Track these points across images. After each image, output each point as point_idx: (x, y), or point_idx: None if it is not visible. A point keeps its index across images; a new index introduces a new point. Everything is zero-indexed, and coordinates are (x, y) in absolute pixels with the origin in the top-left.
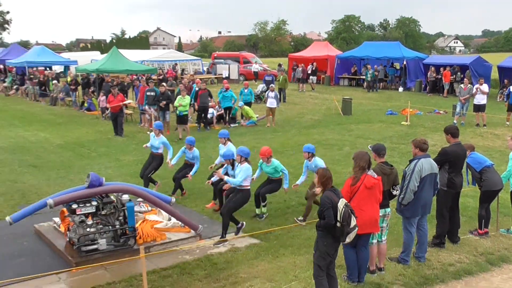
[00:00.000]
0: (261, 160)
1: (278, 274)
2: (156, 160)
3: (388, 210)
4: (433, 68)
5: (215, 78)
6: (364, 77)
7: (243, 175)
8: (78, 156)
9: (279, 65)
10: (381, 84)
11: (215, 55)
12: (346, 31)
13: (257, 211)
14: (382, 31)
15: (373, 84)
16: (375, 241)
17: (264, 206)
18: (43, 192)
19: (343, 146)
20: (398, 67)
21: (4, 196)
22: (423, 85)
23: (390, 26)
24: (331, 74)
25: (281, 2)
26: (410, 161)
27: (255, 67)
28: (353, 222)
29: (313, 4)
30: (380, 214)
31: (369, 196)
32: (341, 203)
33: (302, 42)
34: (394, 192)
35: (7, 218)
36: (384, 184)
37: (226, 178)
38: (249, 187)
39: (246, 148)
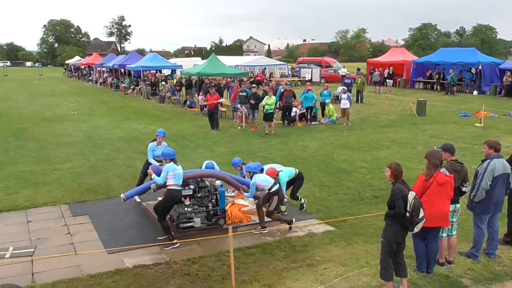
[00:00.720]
0: None
1: (350, 259)
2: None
3: (458, 205)
4: (509, 73)
5: (299, 80)
6: (435, 81)
7: (163, 175)
8: (180, 146)
9: (358, 69)
10: (456, 87)
11: (300, 60)
12: (423, 38)
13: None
14: (458, 38)
15: (450, 87)
16: (445, 234)
17: (299, 199)
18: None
19: (417, 144)
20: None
21: (120, 178)
22: (498, 89)
23: (466, 33)
24: (407, 77)
25: (361, 12)
26: (483, 161)
27: (342, 71)
28: (421, 213)
29: (392, 14)
30: (450, 209)
31: (441, 192)
32: (411, 195)
33: (380, 49)
34: (464, 189)
35: (122, 195)
36: (454, 181)
37: (153, 176)
38: (172, 187)
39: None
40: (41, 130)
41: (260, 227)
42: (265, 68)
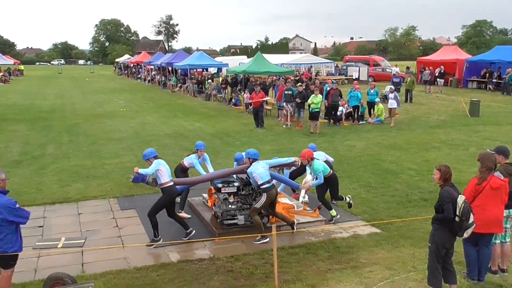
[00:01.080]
0: None
1: (397, 263)
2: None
3: None
4: None
5: (346, 79)
6: (488, 80)
7: (152, 168)
8: (225, 144)
9: (407, 67)
10: None
11: (347, 58)
12: (477, 36)
13: (332, 212)
14: None
15: (507, 87)
16: (498, 241)
17: (329, 209)
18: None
19: (469, 146)
20: None
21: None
22: None
23: None
24: (460, 77)
25: (411, 9)
26: None
27: (395, 70)
28: (471, 218)
29: (444, 10)
30: (504, 215)
31: (494, 197)
32: (460, 199)
33: (431, 47)
34: None
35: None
36: (509, 185)
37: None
38: (168, 185)
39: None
40: (92, 126)
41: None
42: (311, 67)
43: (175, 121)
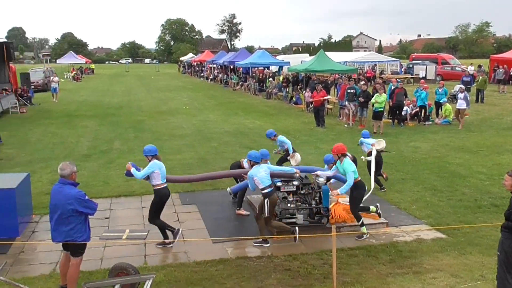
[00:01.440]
0: None
1: (463, 271)
2: None
3: None
4: None
5: (412, 78)
6: None
7: (144, 172)
8: None
9: (479, 66)
10: None
11: (413, 56)
12: None
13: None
14: None
15: None
16: None
17: (361, 225)
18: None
19: None
20: None
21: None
22: None
23: None
24: None
25: (485, 5)
26: None
27: (470, 69)
28: None
29: None
30: None
31: None
32: None
33: (507, 44)
34: None
35: (228, 189)
36: None
37: (132, 170)
38: (161, 187)
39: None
40: (156, 123)
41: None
42: (375, 65)
43: (236, 119)
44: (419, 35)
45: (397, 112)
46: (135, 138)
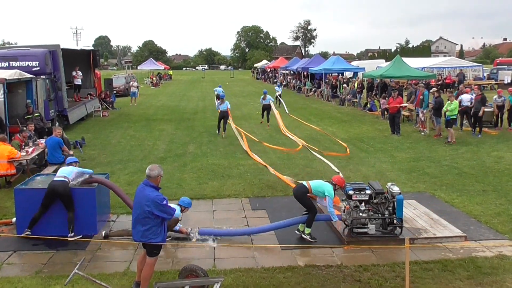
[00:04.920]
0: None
1: None
2: None
3: None
4: None
5: (496, 84)
6: None
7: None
8: (358, 150)
9: None
10: None
11: (498, 61)
12: None
13: None
14: None
15: None
16: None
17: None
18: (327, 175)
19: None
20: None
21: (297, 177)
22: None
23: None
24: None
25: None
26: None
27: None
28: None
29: None
30: None
31: None
32: None
33: None
34: None
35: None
36: None
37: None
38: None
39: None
40: (229, 127)
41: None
42: (460, 70)
43: (309, 125)
44: (505, 39)
45: (477, 119)
46: (209, 142)
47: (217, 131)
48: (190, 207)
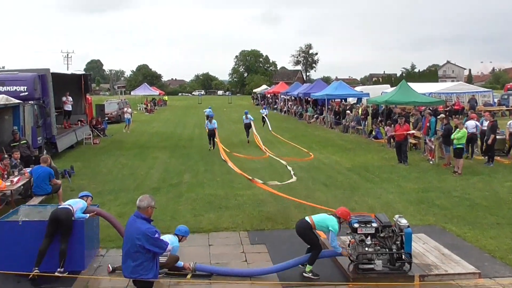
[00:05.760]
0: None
1: None
2: None
3: None
4: None
5: (507, 110)
6: None
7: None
8: (363, 180)
9: None
10: None
11: (508, 86)
12: None
13: None
14: None
15: None
16: None
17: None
18: (330, 206)
19: None
20: None
21: (299, 208)
22: None
23: None
24: None
25: None
26: None
27: None
28: None
29: None
30: None
31: None
32: None
33: None
34: None
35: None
36: None
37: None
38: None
39: None
40: (227, 155)
41: None
42: (473, 96)
43: (325, 154)
44: None
45: (489, 148)
46: (205, 171)
47: (209, 147)
48: (187, 235)
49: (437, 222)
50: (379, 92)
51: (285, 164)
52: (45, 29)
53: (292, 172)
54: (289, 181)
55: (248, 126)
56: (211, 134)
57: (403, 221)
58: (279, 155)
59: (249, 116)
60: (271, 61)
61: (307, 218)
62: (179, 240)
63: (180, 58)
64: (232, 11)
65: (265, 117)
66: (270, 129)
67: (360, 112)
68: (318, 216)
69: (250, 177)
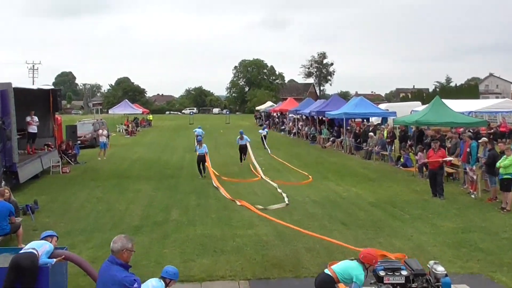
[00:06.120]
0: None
1: None
2: None
3: None
4: None
5: None
6: None
7: None
8: (390, 217)
9: None
10: None
11: None
12: None
13: None
14: None
15: None
16: None
17: None
18: (349, 252)
19: None
20: None
21: (311, 252)
22: None
23: None
24: None
25: None
26: None
27: None
28: None
29: None
30: None
31: None
32: None
33: None
34: None
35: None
36: None
37: None
38: None
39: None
40: (224, 187)
41: None
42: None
43: (325, 184)
44: None
45: None
46: (197, 207)
47: (199, 176)
48: (177, 279)
49: (482, 270)
50: (408, 111)
51: (275, 186)
52: (6, 37)
53: (284, 195)
54: (281, 205)
55: (243, 149)
56: (201, 160)
57: (440, 269)
58: (273, 179)
59: (244, 136)
60: (277, 72)
61: (327, 271)
62: (166, 285)
63: (167, 70)
64: (229, 16)
65: (263, 138)
66: (269, 152)
67: (385, 134)
68: (339, 266)
69: (255, 207)
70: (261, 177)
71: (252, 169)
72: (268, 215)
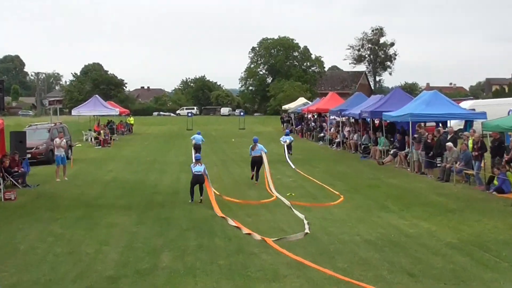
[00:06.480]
0: None
1: None
2: None
3: None
4: None
5: None
6: None
7: None
8: (478, 265)
9: None
10: None
11: None
12: None
13: None
14: None
15: None
16: None
17: None
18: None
19: None
20: None
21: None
22: None
23: None
24: None
25: None
26: None
27: None
28: None
29: None
30: None
31: None
32: None
33: None
34: None
35: None
36: None
37: None
38: None
39: None
40: (237, 219)
41: None
42: None
43: (383, 216)
44: None
45: None
46: (199, 249)
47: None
48: None
49: None
50: (504, 111)
51: (289, 205)
52: None
53: (305, 222)
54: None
55: (257, 162)
56: (197, 181)
57: None
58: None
59: (258, 145)
60: (313, 56)
61: None
62: None
63: (156, 54)
64: None
65: (286, 146)
66: (293, 166)
67: (470, 145)
68: None
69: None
70: (285, 201)
71: (268, 188)
72: (301, 258)
